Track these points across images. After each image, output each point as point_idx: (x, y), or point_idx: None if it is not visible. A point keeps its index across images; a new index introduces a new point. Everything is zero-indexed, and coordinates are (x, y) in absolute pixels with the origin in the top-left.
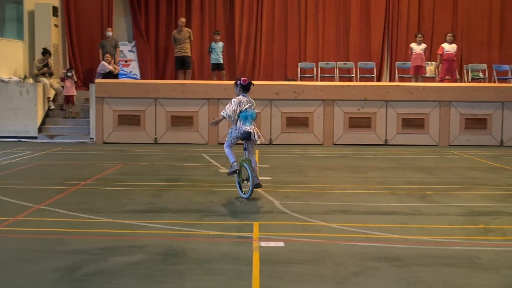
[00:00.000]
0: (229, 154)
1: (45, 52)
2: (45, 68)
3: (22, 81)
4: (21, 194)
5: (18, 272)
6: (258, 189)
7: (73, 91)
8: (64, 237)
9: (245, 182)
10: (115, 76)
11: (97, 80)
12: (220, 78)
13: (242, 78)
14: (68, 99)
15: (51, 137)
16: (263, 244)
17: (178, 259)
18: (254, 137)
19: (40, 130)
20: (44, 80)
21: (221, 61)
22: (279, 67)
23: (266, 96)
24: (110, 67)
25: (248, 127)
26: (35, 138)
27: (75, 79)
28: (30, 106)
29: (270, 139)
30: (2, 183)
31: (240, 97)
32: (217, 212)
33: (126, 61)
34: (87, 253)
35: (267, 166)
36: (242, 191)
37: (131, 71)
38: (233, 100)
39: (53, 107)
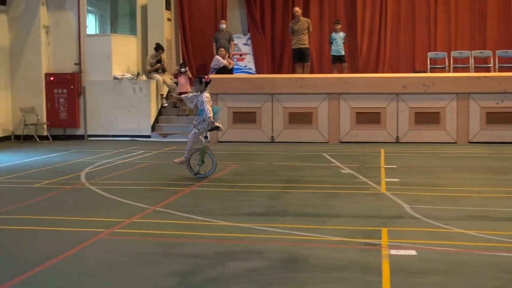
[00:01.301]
0: (191, 145)
1: (158, 48)
2: (158, 64)
3: (135, 78)
4: (136, 195)
5: (133, 275)
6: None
7: (187, 88)
8: (180, 240)
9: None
10: (229, 71)
11: (211, 76)
12: (341, 71)
13: (206, 76)
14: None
15: (164, 135)
16: (393, 252)
17: (299, 266)
18: (221, 129)
19: (153, 128)
20: (157, 76)
21: (342, 53)
22: (406, 58)
23: (392, 90)
24: (224, 62)
25: (216, 121)
26: (148, 137)
27: (189, 75)
28: (143, 104)
29: (397, 137)
30: (116, 183)
31: (207, 93)
32: (341, 216)
33: (240, 55)
34: (204, 257)
35: (394, 166)
36: (194, 171)
37: (246, 66)
38: (204, 96)
39: (166, 104)
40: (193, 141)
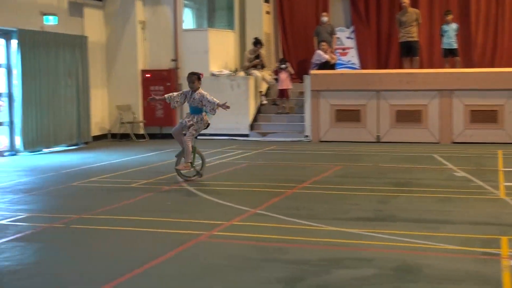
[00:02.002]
0: (190, 148)
1: (257, 42)
2: (257, 60)
3: (233, 74)
4: (235, 196)
5: (235, 280)
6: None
7: (287, 84)
8: (282, 245)
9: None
10: (331, 66)
11: (312, 72)
12: (453, 66)
13: (201, 73)
14: (283, 93)
15: (264, 134)
16: None
17: (413, 276)
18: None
19: (251, 127)
20: (256, 72)
21: (455, 46)
22: None
23: (510, 86)
24: (327, 57)
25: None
26: (247, 136)
27: (291, 71)
28: (242, 101)
29: None
30: (215, 184)
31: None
32: (455, 222)
33: (343, 49)
34: (309, 264)
35: None
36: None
37: (349, 60)
38: (204, 93)
39: (265, 102)
40: (191, 143)
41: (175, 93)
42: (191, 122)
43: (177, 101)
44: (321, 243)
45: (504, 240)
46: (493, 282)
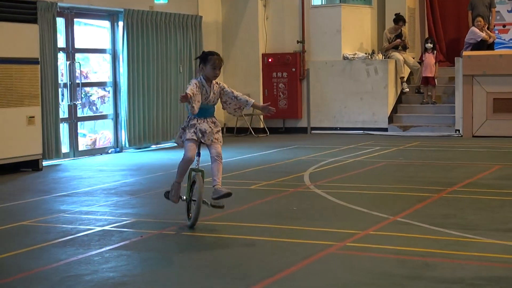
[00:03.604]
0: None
1: (398, 19)
2: (398, 40)
3: (370, 57)
4: (371, 201)
5: None
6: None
7: (431, 70)
8: (431, 259)
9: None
10: (489, 46)
11: (465, 53)
12: None
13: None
14: (427, 80)
15: (405, 128)
16: None
17: None
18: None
19: (390, 119)
20: (397, 55)
21: None
22: None
23: None
24: (483, 35)
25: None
26: (385, 130)
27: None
28: (379, 89)
29: None
30: (346, 187)
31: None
32: None
33: (504, 26)
34: (462, 283)
35: None
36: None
37: (511, 39)
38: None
39: (407, 89)
40: None
41: (190, 88)
42: (218, 128)
43: (198, 101)
44: (476, 259)
45: None
46: None
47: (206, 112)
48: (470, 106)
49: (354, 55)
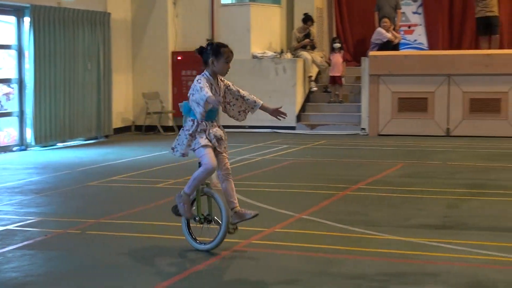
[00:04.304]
0: None
1: (307, 19)
2: (307, 40)
3: (279, 56)
4: (278, 199)
5: None
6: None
7: (339, 70)
8: (334, 256)
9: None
10: (395, 46)
11: (371, 53)
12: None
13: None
14: (335, 79)
15: (313, 127)
16: None
17: None
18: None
19: (299, 118)
20: (305, 54)
21: None
22: None
23: None
24: (389, 35)
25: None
26: (293, 129)
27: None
28: (288, 88)
29: None
30: (254, 185)
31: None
32: None
33: (409, 27)
34: (366, 278)
35: None
36: (194, 239)
37: (415, 40)
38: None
39: (315, 88)
40: None
41: (207, 89)
42: (222, 132)
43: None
44: (379, 255)
45: None
46: None
47: (213, 114)
48: (376, 105)
49: (263, 54)
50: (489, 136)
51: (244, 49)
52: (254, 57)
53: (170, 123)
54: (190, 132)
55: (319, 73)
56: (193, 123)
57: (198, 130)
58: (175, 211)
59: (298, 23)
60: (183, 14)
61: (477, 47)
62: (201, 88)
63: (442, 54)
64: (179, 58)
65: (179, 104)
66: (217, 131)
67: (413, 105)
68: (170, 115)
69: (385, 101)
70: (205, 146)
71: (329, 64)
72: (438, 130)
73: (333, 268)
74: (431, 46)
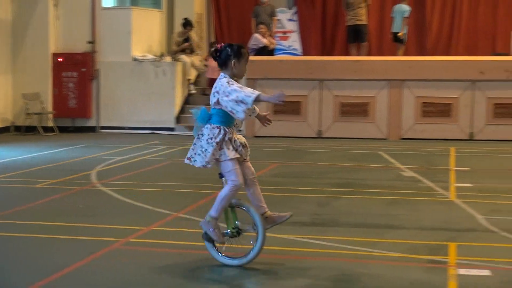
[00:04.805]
0: None
1: (186, 24)
2: (186, 44)
3: (159, 59)
4: (156, 198)
5: None
6: None
7: (217, 72)
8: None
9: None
10: (270, 52)
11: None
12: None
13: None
14: (212, 82)
15: (191, 128)
16: (462, 271)
17: (351, 286)
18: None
19: (178, 120)
20: (184, 58)
21: (398, 30)
22: (485, 37)
23: (467, 76)
24: (265, 41)
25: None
26: (171, 130)
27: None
28: (167, 91)
29: (471, 133)
30: (133, 185)
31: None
32: (402, 227)
33: (284, 33)
34: (237, 273)
35: (467, 169)
36: (220, 254)
37: (290, 46)
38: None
39: (194, 91)
40: None
41: (242, 86)
42: (244, 138)
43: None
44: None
45: (452, 246)
46: None
47: (233, 119)
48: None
49: (143, 56)
50: (357, 137)
51: (125, 51)
52: (135, 59)
53: (50, 123)
54: (218, 140)
55: (198, 76)
56: (220, 130)
57: (226, 139)
58: (207, 238)
59: (178, 27)
60: (64, 16)
61: (347, 53)
62: (240, 87)
63: (315, 59)
64: (60, 59)
65: (191, 110)
66: (240, 137)
67: (287, 108)
68: (51, 116)
69: (262, 104)
70: (232, 159)
71: (207, 68)
72: (311, 132)
73: (207, 264)
74: (305, 52)
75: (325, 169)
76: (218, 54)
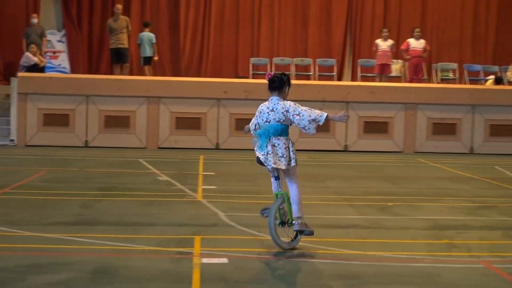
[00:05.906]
0: None
1: None
2: None
3: None
4: None
5: None
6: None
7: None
8: None
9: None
10: (41, 69)
11: (20, 74)
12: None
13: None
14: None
15: None
16: (205, 260)
17: (109, 277)
18: (269, 163)
19: None
20: None
21: (149, 54)
22: (228, 62)
23: (213, 95)
24: (35, 59)
25: (259, 151)
26: None
27: None
28: None
29: (217, 143)
30: None
31: (266, 102)
32: (156, 224)
33: (54, 53)
34: (6, 271)
35: (213, 173)
36: (279, 237)
37: (59, 64)
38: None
39: None
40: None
41: (306, 107)
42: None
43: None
44: (19, 249)
45: (197, 239)
46: (184, 278)
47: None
48: (23, 119)
49: None
50: (121, 147)
51: None
52: None
53: None
54: (293, 149)
55: None
56: (290, 140)
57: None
58: (308, 233)
59: None
60: None
61: (111, 73)
62: (309, 109)
63: (82, 77)
64: None
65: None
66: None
67: (57, 119)
68: None
69: (32, 116)
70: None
71: None
72: (78, 142)
73: None
74: (73, 70)
75: (91, 175)
76: (274, 81)
